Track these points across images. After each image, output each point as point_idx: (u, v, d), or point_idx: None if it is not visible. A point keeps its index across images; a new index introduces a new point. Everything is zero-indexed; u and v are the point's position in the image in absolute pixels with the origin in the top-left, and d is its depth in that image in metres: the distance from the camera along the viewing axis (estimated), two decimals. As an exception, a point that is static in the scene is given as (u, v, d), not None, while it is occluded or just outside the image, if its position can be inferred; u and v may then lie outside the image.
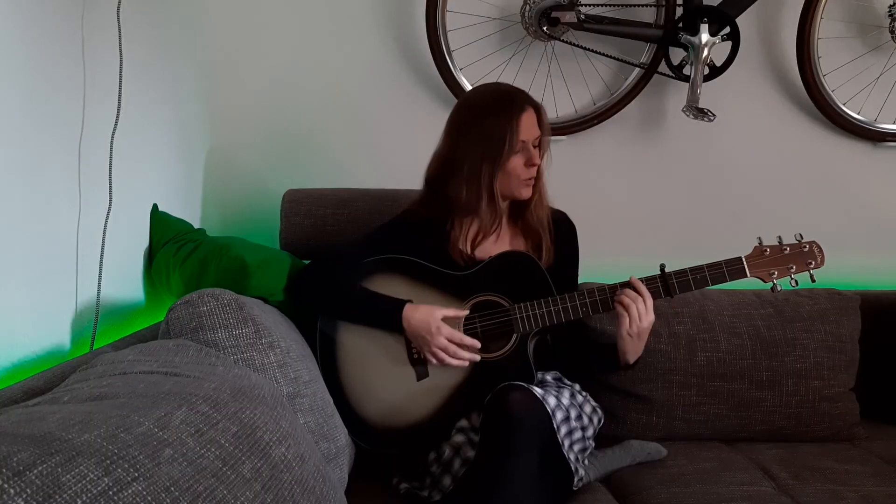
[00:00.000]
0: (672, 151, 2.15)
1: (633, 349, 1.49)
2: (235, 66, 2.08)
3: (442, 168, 1.56)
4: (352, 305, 1.52)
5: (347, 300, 1.52)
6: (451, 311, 1.47)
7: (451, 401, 1.46)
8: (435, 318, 1.45)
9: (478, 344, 1.47)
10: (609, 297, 1.48)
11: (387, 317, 1.48)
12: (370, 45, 2.09)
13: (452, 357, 1.45)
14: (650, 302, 1.45)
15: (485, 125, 1.50)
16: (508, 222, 1.62)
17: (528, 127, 1.50)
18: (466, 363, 1.46)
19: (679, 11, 1.99)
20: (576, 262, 1.65)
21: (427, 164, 1.60)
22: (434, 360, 1.46)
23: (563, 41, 2.02)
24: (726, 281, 1.47)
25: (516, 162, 1.51)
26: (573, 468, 1.34)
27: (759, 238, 1.50)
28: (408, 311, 1.46)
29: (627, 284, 1.48)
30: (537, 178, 1.55)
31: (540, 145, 1.54)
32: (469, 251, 1.57)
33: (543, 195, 1.59)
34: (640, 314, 1.44)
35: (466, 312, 1.49)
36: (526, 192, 1.54)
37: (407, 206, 1.64)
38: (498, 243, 1.60)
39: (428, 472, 1.42)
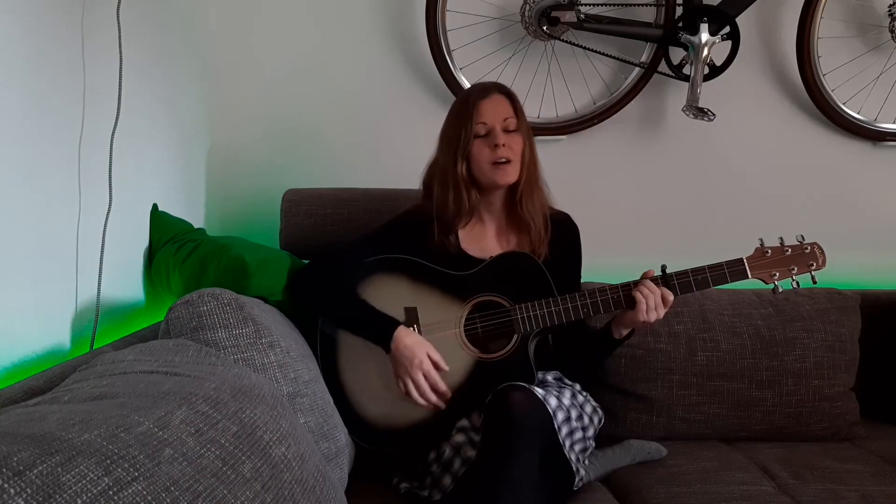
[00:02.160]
0: (672, 151, 2.15)
1: (629, 327, 1.51)
2: (235, 66, 2.08)
3: (429, 173, 1.62)
4: (346, 313, 1.52)
5: (343, 307, 1.52)
6: (437, 356, 1.44)
7: (452, 400, 1.46)
8: (423, 352, 1.43)
9: (448, 394, 1.45)
10: (610, 297, 1.48)
11: (378, 331, 1.47)
12: (370, 44, 2.09)
13: (420, 395, 1.43)
14: (670, 298, 1.44)
15: (450, 124, 1.56)
16: (506, 218, 1.62)
17: (489, 110, 1.52)
18: (429, 406, 1.45)
19: (679, 11, 1.99)
20: (578, 264, 1.65)
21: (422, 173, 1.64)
22: (401, 388, 1.45)
23: (562, 41, 2.02)
24: (728, 282, 1.47)
25: (479, 146, 1.52)
26: (574, 468, 1.34)
27: (761, 239, 1.50)
28: (401, 332, 1.45)
29: (628, 286, 1.48)
30: (522, 165, 1.54)
31: (518, 130, 1.54)
32: (454, 244, 1.57)
33: (534, 186, 1.57)
34: (657, 306, 1.44)
35: (447, 369, 1.45)
36: (504, 177, 1.52)
37: (408, 207, 1.65)
38: (498, 240, 1.61)
39: (428, 472, 1.42)
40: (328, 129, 2.11)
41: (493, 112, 1.52)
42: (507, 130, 1.52)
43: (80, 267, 1.32)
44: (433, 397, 1.44)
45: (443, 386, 1.44)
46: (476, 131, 1.51)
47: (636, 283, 1.47)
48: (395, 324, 1.47)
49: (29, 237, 1.15)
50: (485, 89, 1.56)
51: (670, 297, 1.45)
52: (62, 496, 0.61)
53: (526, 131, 1.56)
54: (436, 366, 1.45)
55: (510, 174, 1.53)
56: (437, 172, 1.57)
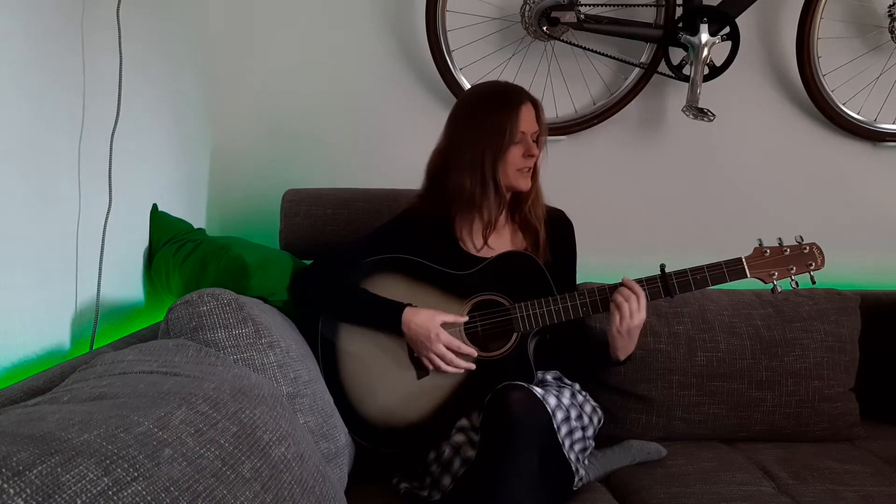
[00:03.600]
0: (672, 151, 2.15)
1: (622, 346, 1.49)
2: (236, 65, 2.08)
3: (444, 160, 1.56)
4: (352, 307, 1.52)
5: (348, 302, 1.53)
6: (450, 317, 1.48)
7: (452, 400, 1.46)
8: (434, 324, 1.45)
9: (474, 352, 1.48)
10: (609, 297, 1.48)
11: (387, 320, 1.49)
12: (370, 45, 2.09)
13: (449, 364, 1.46)
14: (643, 300, 1.46)
15: (486, 117, 1.52)
16: (507, 219, 1.62)
17: (527, 119, 1.52)
18: (462, 371, 1.47)
19: (679, 11, 1.99)
20: (573, 259, 1.66)
21: (428, 160, 1.60)
22: (431, 366, 1.47)
23: (562, 41, 2.02)
24: (726, 281, 1.47)
25: (515, 152, 1.52)
26: (574, 468, 1.34)
27: (760, 239, 1.50)
28: (408, 314, 1.47)
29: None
30: (535, 174, 1.57)
31: (538, 141, 1.55)
32: (479, 245, 1.58)
33: (540, 193, 1.60)
34: (632, 312, 1.44)
35: (465, 319, 1.50)
36: (525, 184, 1.55)
37: (407, 206, 1.64)
38: (499, 239, 1.61)
39: (428, 472, 1.42)
40: (328, 129, 2.11)
41: (531, 121, 1.53)
42: (533, 140, 1.54)
43: (80, 267, 1.32)
44: (461, 361, 1.46)
45: (465, 347, 1.48)
46: (516, 136, 1.51)
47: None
48: (401, 307, 1.48)
49: (29, 237, 1.15)
50: (522, 96, 1.54)
51: (641, 294, 1.45)
52: (62, 496, 0.61)
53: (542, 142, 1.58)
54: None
55: (529, 182, 1.56)
56: (467, 164, 1.51)
